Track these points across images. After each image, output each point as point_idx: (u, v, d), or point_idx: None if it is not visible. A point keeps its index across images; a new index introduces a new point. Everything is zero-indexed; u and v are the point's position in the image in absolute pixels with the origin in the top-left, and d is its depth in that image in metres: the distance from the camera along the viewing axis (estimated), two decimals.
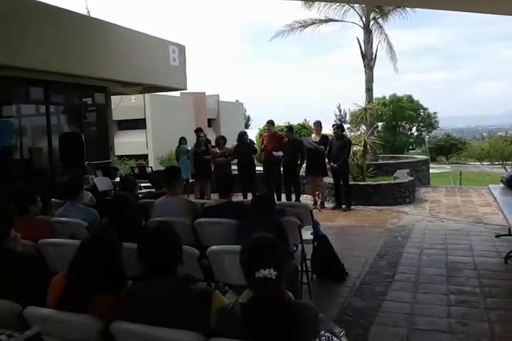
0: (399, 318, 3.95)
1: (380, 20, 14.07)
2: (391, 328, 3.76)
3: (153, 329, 1.93)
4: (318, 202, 9.43)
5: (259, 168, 9.90)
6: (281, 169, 9.40)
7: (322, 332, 2.27)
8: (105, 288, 2.17)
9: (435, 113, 33.17)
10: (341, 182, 9.15)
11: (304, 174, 9.75)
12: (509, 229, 6.17)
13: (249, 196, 8.74)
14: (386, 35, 14.42)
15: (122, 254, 2.35)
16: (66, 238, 3.69)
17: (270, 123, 9.43)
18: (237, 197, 8.22)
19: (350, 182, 9.49)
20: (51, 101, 9.33)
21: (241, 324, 1.86)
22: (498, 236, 6.53)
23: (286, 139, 9.24)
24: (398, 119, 31.03)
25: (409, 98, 31.90)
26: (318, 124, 9.51)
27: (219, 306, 1.99)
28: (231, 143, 9.77)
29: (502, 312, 4.05)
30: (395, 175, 10.89)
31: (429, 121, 32.71)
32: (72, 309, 2.08)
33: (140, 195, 6.06)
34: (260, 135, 17.21)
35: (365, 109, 12.59)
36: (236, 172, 9.33)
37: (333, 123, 9.95)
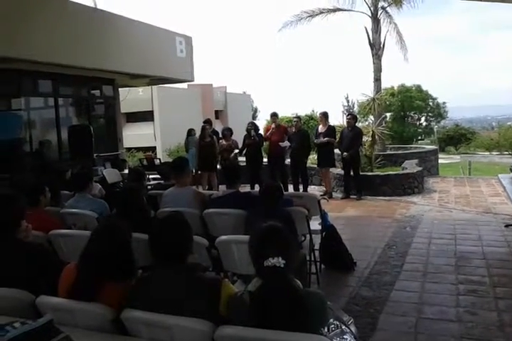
0: (407, 307, 3.96)
1: (389, 10, 13.91)
2: (399, 317, 3.78)
3: (163, 317, 1.95)
4: (323, 192, 9.46)
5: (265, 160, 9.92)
6: (288, 160, 9.43)
7: (331, 320, 2.30)
8: (116, 278, 2.19)
9: (444, 103, 32.92)
10: (352, 173, 9.19)
11: (313, 164, 9.81)
12: None
13: (257, 187, 8.77)
14: (395, 24, 14.23)
15: (132, 244, 2.38)
16: (79, 229, 3.73)
17: (274, 115, 9.46)
18: (245, 189, 8.25)
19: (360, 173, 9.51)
20: (59, 94, 9.38)
21: (250, 312, 1.88)
22: (507, 225, 6.50)
23: (293, 129, 9.24)
24: (407, 109, 30.81)
25: (418, 88, 31.63)
26: (323, 115, 9.52)
27: (228, 294, 2.01)
28: (238, 134, 9.77)
29: (511, 301, 4.04)
30: (403, 165, 10.85)
31: (438, 111, 32.45)
32: (83, 298, 2.11)
33: (149, 187, 6.08)
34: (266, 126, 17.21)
35: (373, 99, 12.52)
36: (243, 164, 9.36)
37: (348, 113, 9.97)
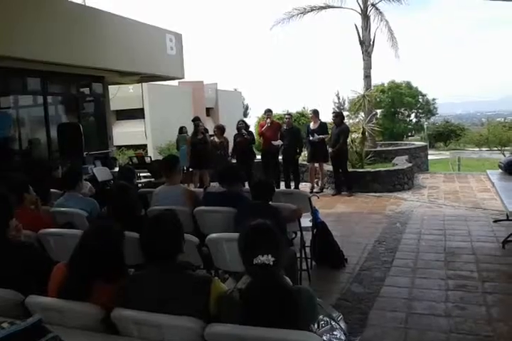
0: (397, 303, 3.99)
1: (379, 6, 13.92)
2: (389, 313, 3.81)
3: (153, 316, 1.96)
4: (317, 189, 9.50)
5: (258, 157, 9.91)
6: (280, 157, 9.45)
7: (321, 317, 2.32)
8: (106, 278, 2.19)
9: (434, 99, 33.11)
10: (340, 170, 9.24)
11: (305, 161, 9.86)
12: (507, 214, 6.19)
13: (246, 184, 8.78)
14: (387, 21, 14.23)
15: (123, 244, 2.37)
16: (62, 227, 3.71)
17: (269, 111, 9.49)
18: None
19: (350, 170, 9.58)
20: (48, 92, 9.29)
21: (240, 309, 1.89)
22: (496, 221, 6.57)
23: (285, 126, 9.26)
24: (397, 106, 30.96)
25: (408, 84, 31.78)
26: (314, 113, 9.58)
27: (218, 292, 2.01)
28: (229, 132, 9.75)
29: (499, 296, 4.10)
30: (393, 161, 10.91)
31: (427, 108, 32.65)
32: (73, 298, 2.11)
33: (139, 185, 6.07)
34: (258, 123, 17.20)
35: (364, 96, 12.57)
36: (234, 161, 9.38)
37: (333, 111, 10.04)
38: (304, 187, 9.83)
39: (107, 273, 2.21)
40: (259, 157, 9.92)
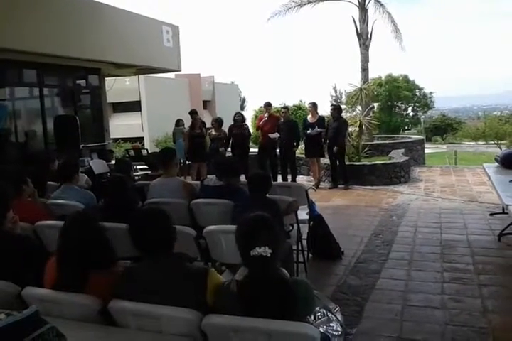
0: (393, 295, 4.01)
1: None
2: (385, 305, 3.83)
3: (151, 307, 1.96)
4: (314, 182, 9.52)
5: (253, 150, 9.90)
6: (277, 150, 9.44)
7: (317, 309, 2.33)
8: (98, 267, 2.19)
9: (431, 93, 33.14)
10: (337, 163, 9.24)
11: (302, 154, 9.86)
12: (503, 208, 6.22)
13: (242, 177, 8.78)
14: (389, 13, 14.17)
15: (118, 235, 2.37)
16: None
17: (268, 105, 9.46)
18: None
19: (346, 163, 9.59)
20: (45, 84, 9.24)
21: (237, 301, 1.89)
22: (491, 214, 6.60)
23: (282, 120, 9.24)
24: (394, 99, 30.95)
25: (405, 78, 31.77)
26: (313, 105, 9.52)
27: (215, 284, 2.02)
28: (226, 125, 9.73)
29: (494, 288, 4.12)
30: (390, 155, 10.93)
31: (424, 101, 32.67)
32: (68, 289, 2.11)
33: (136, 177, 6.06)
34: (256, 116, 17.19)
35: (361, 90, 12.57)
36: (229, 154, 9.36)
37: (331, 104, 10.01)
38: (301, 179, 9.84)
39: (96, 262, 2.20)
40: (253, 150, 9.90)
